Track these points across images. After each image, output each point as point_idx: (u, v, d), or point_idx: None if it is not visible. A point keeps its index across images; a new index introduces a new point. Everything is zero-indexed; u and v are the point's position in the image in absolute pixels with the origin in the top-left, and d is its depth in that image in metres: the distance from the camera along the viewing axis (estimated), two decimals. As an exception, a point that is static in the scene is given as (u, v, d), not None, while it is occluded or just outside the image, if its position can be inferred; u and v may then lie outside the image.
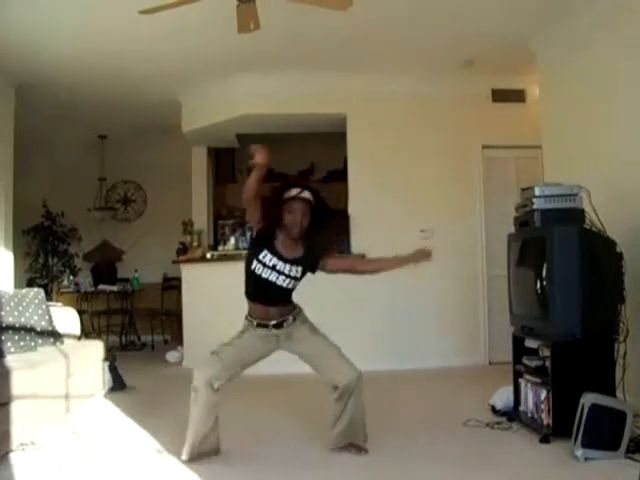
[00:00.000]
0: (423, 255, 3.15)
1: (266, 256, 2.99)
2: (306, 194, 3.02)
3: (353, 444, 3.10)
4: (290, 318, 3.08)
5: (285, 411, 3.98)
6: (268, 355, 3.14)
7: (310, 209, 3.02)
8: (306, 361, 3.12)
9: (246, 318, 3.13)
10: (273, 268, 2.99)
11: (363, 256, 5.70)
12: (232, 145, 7.47)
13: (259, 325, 3.06)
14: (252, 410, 4.07)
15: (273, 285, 3.00)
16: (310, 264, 3.10)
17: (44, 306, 4.12)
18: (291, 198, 3.00)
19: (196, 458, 2.95)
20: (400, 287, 5.79)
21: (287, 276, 3.01)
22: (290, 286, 3.05)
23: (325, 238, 3.21)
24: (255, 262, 3.01)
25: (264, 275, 2.99)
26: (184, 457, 2.95)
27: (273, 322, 3.05)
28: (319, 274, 3.17)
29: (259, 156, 2.89)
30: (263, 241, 3.04)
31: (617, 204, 3.77)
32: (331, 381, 3.04)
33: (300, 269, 3.05)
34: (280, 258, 3.00)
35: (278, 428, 3.62)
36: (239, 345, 3.07)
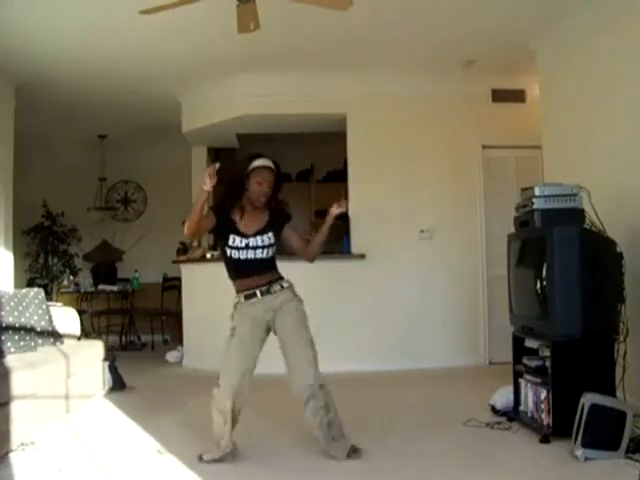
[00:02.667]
0: (337, 209, 3.12)
1: (235, 240, 3.03)
2: (270, 163, 3.10)
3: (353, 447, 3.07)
4: (277, 285, 3.07)
5: (285, 411, 3.97)
6: (267, 336, 3.10)
7: (275, 178, 3.10)
8: (279, 341, 3.08)
9: (234, 298, 3.12)
10: (247, 247, 3.03)
11: (363, 256, 5.71)
12: (232, 145, 7.46)
13: (247, 296, 3.04)
14: (252, 410, 4.06)
15: (253, 261, 3.05)
16: (278, 225, 3.14)
17: (44, 306, 4.12)
18: (260, 167, 3.06)
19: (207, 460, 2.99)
20: (400, 287, 5.80)
21: (262, 247, 3.06)
22: (269, 254, 3.09)
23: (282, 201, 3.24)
24: (228, 250, 3.05)
25: (242, 257, 3.04)
26: (209, 457, 2.97)
27: (260, 288, 3.03)
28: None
29: (209, 181, 2.83)
30: (224, 229, 3.07)
31: (617, 204, 3.77)
32: (289, 383, 3.04)
33: (272, 234, 3.09)
34: (248, 236, 3.04)
35: (277, 428, 3.62)
36: (237, 346, 3.02)
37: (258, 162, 3.09)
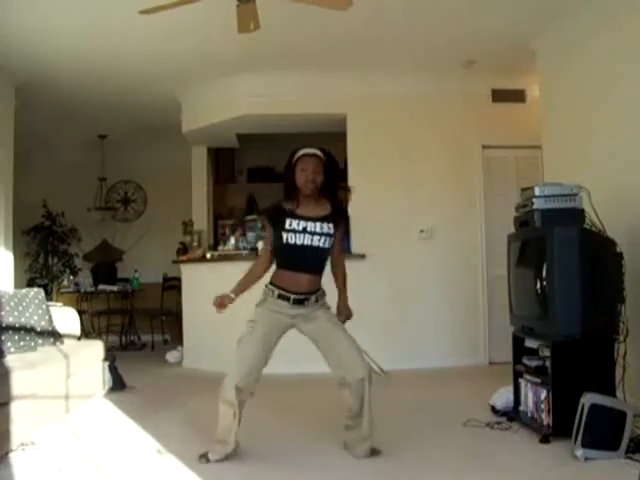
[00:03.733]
0: (342, 313, 3.19)
1: (292, 223, 2.93)
2: (314, 150, 3.01)
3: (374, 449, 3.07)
4: (313, 298, 2.99)
5: (287, 411, 3.98)
6: (283, 334, 3.05)
7: (323, 166, 2.99)
8: (317, 346, 3.03)
9: (266, 286, 3.03)
10: (304, 231, 2.92)
11: (363, 256, 5.71)
12: (232, 145, 7.46)
13: (280, 296, 2.95)
14: (254, 410, 4.06)
15: (310, 248, 2.93)
16: (337, 221, 3.05)
17: (44, 306, 4.12)
18: (301, 156, 2.99)
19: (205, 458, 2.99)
20: (400, 287, 5.80)
21: (321, 234, 2.94)
22: (327, 245, 2.97)
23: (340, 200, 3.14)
24: (284, 234, 2.93)
25: (299, 242, 2.92)
26: (214, 457, 2.98)
27: (296, 296, 2.94)
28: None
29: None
30: (281, 215, 2.98)
31: (617, 204, 3.77)
32: (341, 374, 2.97)
33: (332, 225, 2.99)
34: (307, 219, 2.95)
35: (280, 428, 3.63)
36: (253, 343, 2.96)
37: (301, 151, 3.01)
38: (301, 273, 2.95)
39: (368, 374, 2.97)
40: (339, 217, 3.08)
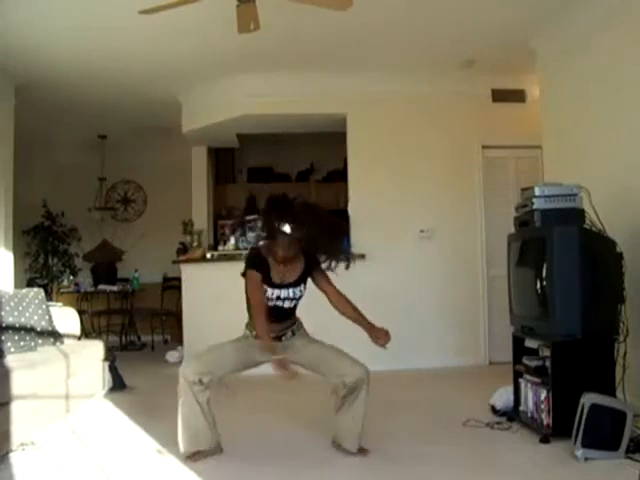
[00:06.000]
0: (381, 337, 3.14)
1: (266, 291, 2.99)
2: (286, 228, 2.90)
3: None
4: (289, 333, 3.11)
5: (285, 411, 3.98)
6: (261, 364, 3.09)
7: (296, 238, 2.92)
8: (308, 368, 3.10)
9: (246, 327, 3.15)
10: (277, 299, 3.03)
11: (363, 256, 5.71)
12: (232, 145, 7.47)
13: (257, 337, 3.02)
14: (252, 410, 4.07)
15: (279, 309, 3.04)
16: (309, 272, 3.10)
17: (44, 306, 4.12)
18: (280, 231, 2.93)
19: (195, 456, 2.96)
20: (400, 287, 5.80)
21: (292, 299, 3.06)
22: (294, 305, 3.09)
23: (326, 246, 3.06)
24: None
25: (270, 304, 3.01)
26: (182, 450, 2.97)
27: (272, 335, 2.99)
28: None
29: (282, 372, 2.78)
30: (262, 272, 2.98)
31: (617, 204, 3.77)
32: (340, 379, 3.01)
33: (303, 286, 3.08)
34: (281, 287, 3.01)
35: (278, 428, 3.62)
36: (233, 347, 3.07)
37: (283, 226, 2.91)
38: (273, 324, 3.01)
39: (366, 372, 3.04)
40: (310, 267, 3.08)
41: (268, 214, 2.98)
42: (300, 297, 3.10)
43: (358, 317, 3.17)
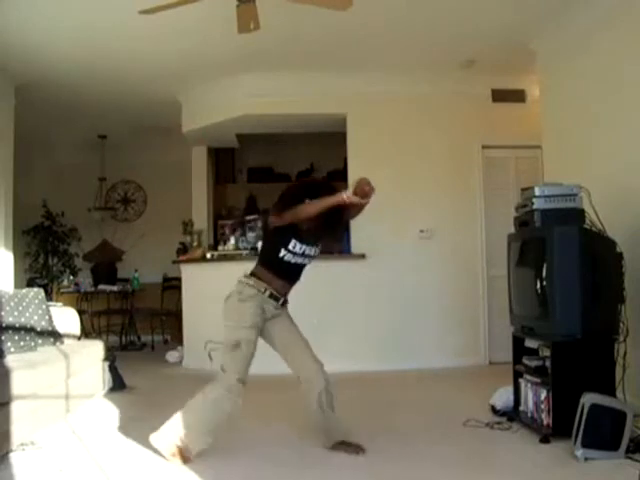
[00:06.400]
0: (361, 190, 2.99)
1: (295, 245, 3.04)
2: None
3: (342, 442, 3.11)
4: (286, 300, 3.18)
5: (284, 411, 3.97)
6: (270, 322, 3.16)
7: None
8: (278, 350, 3.17)
9: (251, 286, 3.05)
10: (303, 254, 3.07)
11: (363, 256, 5.72)
12: (232, 145, 7.47)
13: (271, 296, 3.07)
14: (251, 410, 4.06)
15: (301, 267, 3.12)
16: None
17: (44, 306, 4.12)
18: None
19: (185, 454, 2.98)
20: (400, 287, 5.80)
21: (312, 257, 3.13)
22: (311, 262, 3.16)
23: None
24: (284, 251, 3.04)
25: (293, 261, 3.07)
26: (194, 452, 2.97)
27: (283, 299, 3.12)
28: (322, 273, 3.18)
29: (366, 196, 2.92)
30: (289, 231, 3.03)
31: (617, 204, 3.77)
32: (297, 373, 3.12)
33: (319, 247, 3.15)
34: (308, 244, 3.06)
35: (278, 428, 3.62)
36: (246, 334, 3.02)
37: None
38: (289, 284, 3.15)
39: (325, 377, 3.08)
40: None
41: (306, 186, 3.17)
42: (315, 257, 3.15)
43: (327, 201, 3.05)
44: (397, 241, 5.86)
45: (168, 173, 7.99)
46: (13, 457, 2.99)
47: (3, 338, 3.66)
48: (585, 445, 2.89)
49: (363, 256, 5.73)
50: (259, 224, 5.99)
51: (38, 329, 3.94)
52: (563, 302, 3.26)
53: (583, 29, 4.37)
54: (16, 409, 3.02)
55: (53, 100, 6.22)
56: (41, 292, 4.20)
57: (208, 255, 6.11)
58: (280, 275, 3.10)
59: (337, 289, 5.68)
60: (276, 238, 3.08)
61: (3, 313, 3.78)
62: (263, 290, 3.05)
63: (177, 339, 6.64)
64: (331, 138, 6.53)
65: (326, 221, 3.00)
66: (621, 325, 3.33)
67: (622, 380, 3.33)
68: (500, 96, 5.97)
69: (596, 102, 4.22)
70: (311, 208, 2.96)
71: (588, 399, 2.95)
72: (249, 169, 8.27)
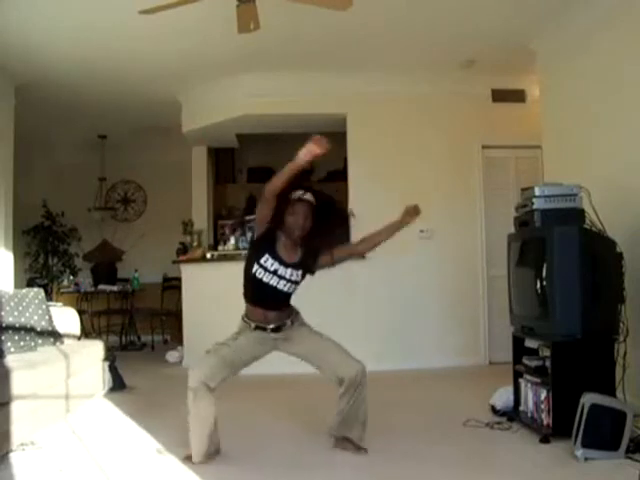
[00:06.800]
0: (412, 213, 3.15)
1: (267, 260, 2.97)
2: (308, 196, 3.00)
3: (348, 439, 3.09)
4: (288, 322, 3.08)
5: (285, 411, 3.98)
6: (263, 356, 3.13)
7: (312, 212, 3.00)
8: (307, 361, 3.11)
9: (243, 319, 3.11)
10: (274, 273, 2.97)
11: (363, 256, 5.71)
12: (232, 145, 7.47)
13: (257, 327, 3.04)
14: (252, 410, 4.07)
15: (274, 289, 2.99)
16: (309, 266, 3.08)
17: (44, 306, 4.12)
18: (296, 200, 2.97)
19: (204, 460, 2.93)
20: (400, 287, 5.80)
21: (288, 280, 3.00)
22: (290, 290, 3.05)
23: (327, 239, 3.13)
24: (256, 266, 2.99)
25: (265, 279, 2.97)
26: (195, 460, 2.91)
27: (271, 326, 3.03)
28: (322, 273, 3.16)
29: (318, 148, 2.73)
30: (265, 245, 3.01)
31: (617, 204, 3.77)
32: (336, 375, 3.01)
33: (300, 273, 3.05)
34: (281, 262, 2.98)
35: (278, 428, 3.62)
36: (234, 346, 3.05)
37: (297, 193, 2.98)
38: (268, 311, 3.03)
39: (363, 370, 3.02)
40: (308, 264, 3.07)
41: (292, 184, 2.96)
42: (296, 282, 3.04)
43: (387, 231, 3.27)
44: (397, 241, 5.80)
45: (168, 173, 7.99)
46: (13, 457, 2.99)
47: (3, 338, 3.66)
48: (585, 445, 2.89)
49: (363, 256, 5.72)
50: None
51: (38, 329, 3.94)
52: (563, 302, 3.26)
53: (583, 29, 4.37)
54: (16, 409, 3.02)
55: (53, 100, 6.22)
56: (41, 292, 4.20)
57: (208, 255, 6.11)
58: (254, 302, 3.04)
59: (337, 289, 5.68)
60: (252, 252, 3.07)
61: (3, 313, 3.77)
62: (249, 325, 3.06)
63: (177, 339, 6.63)
64: (331, 138, 6.48)
65: (312, 231, 3.00)
66: (621, 325, 3.33)
67: (622, 380, 3.33)
68: (500, 96, 5.97)
69: (596, 102, 4.22)
70: (279, 175, 2.84)
71: (588, 399, 2.95)
72: (249, 169, 8.27)
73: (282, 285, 3.00)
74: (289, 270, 2.99)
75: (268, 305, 3.04)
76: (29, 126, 6.43)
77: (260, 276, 2.98)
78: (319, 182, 8.21)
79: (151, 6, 3.43)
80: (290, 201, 2.96)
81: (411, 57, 5.44)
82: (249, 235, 6.02)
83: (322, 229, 3.05)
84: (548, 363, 3.33)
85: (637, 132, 3.74)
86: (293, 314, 3.12)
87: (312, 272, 3.13)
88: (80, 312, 5.25)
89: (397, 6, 4.38)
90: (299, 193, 2.99)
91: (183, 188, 7.59)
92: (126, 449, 3.23)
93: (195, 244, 6.95)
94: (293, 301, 3.16)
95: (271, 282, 2.98)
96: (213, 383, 2.92)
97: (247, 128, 6.55)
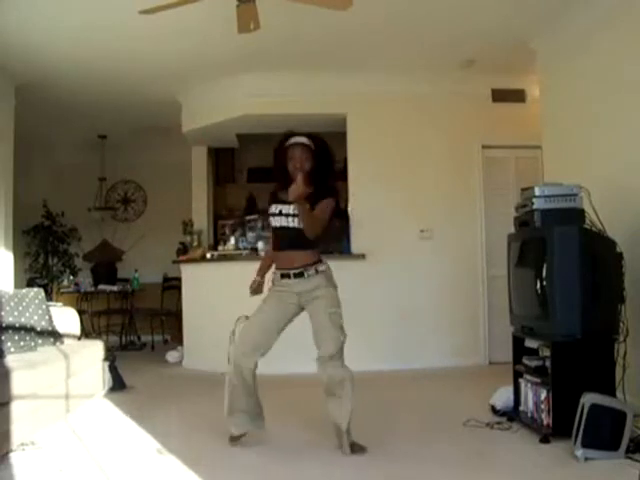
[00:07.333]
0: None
1: (272, 208, 3.18)
2: (302, 139, 3.15)
3: (341, 437, 3.12)
4: (312, 270, 3.11)
5: (285, 411, 3.98)
6: (292, 316, 3.19)
7: (312, 153, 3.14)
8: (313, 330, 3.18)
9: (272, 274, 3.24)
10: (280, 214, 3.13)
11: (363, 256, 5.72)
12: (232, 145, 7.47)
13: (282, 276, 3.14)
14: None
15: (285, 229, 3.12)
16: (316, 199, 3.09)
17: (44, 306, 4.12)
18: (290, 146, 3.14)
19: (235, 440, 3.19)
20: (400, 287, 5.80)
21: (293, 215, 3.08)
22: (300, 224, 3.06)
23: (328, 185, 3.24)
24: (270, 218, 3.20)
25: (277, 224, 3.15)
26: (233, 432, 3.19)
27: (294, 271, 3.09)
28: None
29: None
30: (271, 200, 3.23)
31: (617, 204, 3.77)
32: (318, 349, 3.10)
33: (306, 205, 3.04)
34: (284, 202, 3.10)
35: (278, 428, 3.62)
36: (262, 309, 3.16)
37: (291, 140, 3.16)
38: (288, 251, 3.15)
39: (350, 376, 3.11)
40: (321, 196, 3.11)
41: (280, 143, 3.21)
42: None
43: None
44: (397, 241, 5.85)
45: (168, 173, 7.99)
46: (13, 457, 2.99)
47: (3, 338, 3.66)
48: (585, 445, 2.89)
49: (363, 256, 5.72)
50: (259, 224, 5.99)
51: (38, 329, 3.94)
52: (563, 302, 3.26)
53: (583, 29, 4.37)
54: (16, 409, 3.02)
55: (53, 100, 6.22)
56: (41, 292, 4.20)
57: (208, 255, 6.11)
58: (278, 248, 3.20)
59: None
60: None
61: (3, 313, 3.78)
62: (276, 276, 3.18)
63: (177, 339, 6.63)
64: (331, 138, 6.50)
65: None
66: (621, 325, 3.33)
67: (622, 380, 3.33)
68: (500, 96, 5.96)
69: (596, 102, 4.22)
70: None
71: (588, 399, 2.95)
72: (249, 169, 8.26)
73: (290, 221, 3.10)
74: (292, 206, 3.05)
75: (287, 245, 3.14)
76: (29, 126, 6.43)
77: (274, 224, 3.17)
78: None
79: (151, 6, 3.43)
80: (285, 149, 3.15)
81: (411, 57, 5.44)
82: (249, 235, 6.02)
83: (323, 167, 3.19)
84: (548, 363, 3.34)
85: (637, 132, 3.74)
86: (320, 264, 3.14)
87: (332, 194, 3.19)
88: (80, 312, 5.25)
89: (397, 6, 4.38)
90: (293, 139, 3.16)
91: (183, 188, 7.58)
92: (126, 449, 3.23)
93: (195, 244, 6.95)
94: None
95: (282, 223, 3.13)
96: (253, 358, 3.09)
97: (247, 128, 6.54)
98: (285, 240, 3.15)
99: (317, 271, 3.12)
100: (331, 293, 3.13)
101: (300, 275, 3.10)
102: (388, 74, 5.75)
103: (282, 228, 3.13)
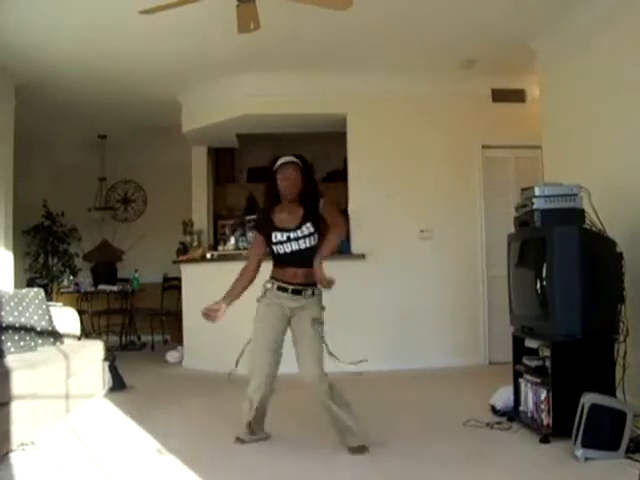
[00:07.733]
0: (325, 284, 3.14)
1: (276, 236, 3.20)
2: (291, 158, 3.26)
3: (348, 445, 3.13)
4: (309, 290, 3.19)
5: (285, 411, 3.97)
6: (284, 330, 3.22)
7: (301, 171, 3.25)
8: (294, 344, 3.21)
9: (264, 286, 3.24)
10: (289, 240, 3.18)
11: (363, 256, 5.71)
12: (232, 145, 7.47)
13: (279, 288, 3.18)
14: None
15: (298, 251, 3.18)
16: (313, 213, 3.23)
17: (44, 306, 4.12)
18: (281, 165, 3.24)
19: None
20: (400, 287, 5.80)
21: (304, 237, 3.18)
22: (312, 242, 3.19)
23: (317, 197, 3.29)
24: (274, 247, 3.22)
25: (287, 250, 3.19)
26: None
27: (294, 287, 3.15)
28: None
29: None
30: (268, 232, 3.23)
31: (617, 204, 3.77)
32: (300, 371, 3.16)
33: (310, 224, 3.20)
34: (289, 230, 3.18)
35: (278, 428, 3.62)
36: (259, 330, 3.18)
37: (280, 160, 3.26)
38: (296, 268, 3.19)
39: (328, 388, 3.13)
40: (313, 209, 3.24)
41: (271, 163, 3.32)
42: (311, 234, 3.19)
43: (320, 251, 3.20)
44: (397, 241, 5.85)
45: (168, 173, 7.99)
46: (13, 457, 2.99)
47: (3, 338, 3.66)
48: (585, 445, 2.89)
49: (363, 256, 5.72)
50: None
51: (38, 329, 3.94)
52: (563, 302, 3.26)
53: (583, 29, 4.37)
54: (16, 409, 3.02)
55: (53, 100, 6.22)
56: (41, 292, 4.20)
57: (208, 255, 6.11)
58: (286, 265, 3.20)
59: (337, 289, 5.67)
60: (265, 239, 3.27)
61: (3, 313, 3.78)
62: (271, 285, 3.20)
63: (177, 339, 6.63)
64: (331, 138, 6.53)
65: None
66: (621, 325, 3.33)
67: (622, 380, 3.33)
68: (500, 96, 5.96)
69: (596, 102, 4.22)
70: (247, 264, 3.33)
71: (588, 399, 2.95)
72: (249, 169, 8.26)
73: (302, 243, 3.18)
74: (298, 230, 3.18)
75: (298, 264, 3.18)
76: (29, 126, 6.42)
77: (282, 251, 3.20)
78: (319, 182, 8.23)
79: (151, 6, 3.43)
80: (275, 171, 3.25)
81: (411, 57, 5.44)
82: (249, 235, 6.02)
83: (311, 182, 3.31)
84: (548, 363, 3.34)
85: (637, 132, 3.74)
86: (317, 289, 3.22)
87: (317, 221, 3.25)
88: (80, 312, 5.25)
89: (397, 6, 4.38)
90: (281, 160, 3.26)
91: (183, 188, 7.58)
92: (126, 449, 3.23)
93: (195, 244, 6.95)
94: None
95: (293, 248, 3.18)
96: (262, 370, 3.14)
97: (247, 128, 6.54)
98: (297, 261, 3.19)
99: (314, 293, 3.21)
100: (318, 310, 3.23)
101: (298, 293, 3.17)
102: (388, 74, 5.75)
103: (292, 253, 3.19)
